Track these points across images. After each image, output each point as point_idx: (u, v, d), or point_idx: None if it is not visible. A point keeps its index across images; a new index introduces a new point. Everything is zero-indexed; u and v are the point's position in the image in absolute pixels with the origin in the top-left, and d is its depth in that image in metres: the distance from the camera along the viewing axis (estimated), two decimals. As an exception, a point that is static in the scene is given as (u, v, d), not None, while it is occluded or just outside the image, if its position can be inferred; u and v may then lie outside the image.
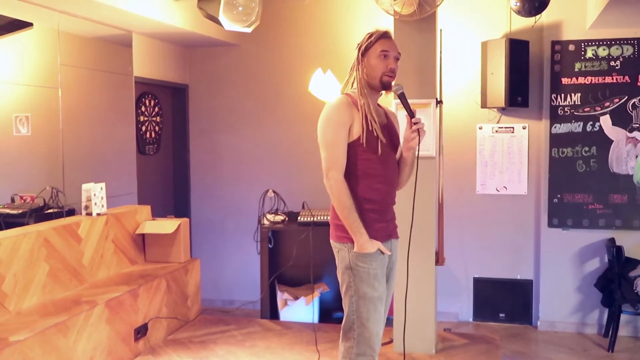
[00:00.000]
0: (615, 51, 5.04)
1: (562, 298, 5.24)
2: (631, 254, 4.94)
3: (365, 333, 2.66)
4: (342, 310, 2.74)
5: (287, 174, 5.85)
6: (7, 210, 3.87)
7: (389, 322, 3.62)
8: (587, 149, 5.13)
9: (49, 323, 3.11)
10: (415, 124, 2.65)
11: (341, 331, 2.74)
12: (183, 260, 4.55)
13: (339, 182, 2.62)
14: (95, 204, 4.10)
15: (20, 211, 3.87)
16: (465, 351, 4.01)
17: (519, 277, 5.43)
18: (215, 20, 3.88)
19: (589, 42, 5.07)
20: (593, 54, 5.07)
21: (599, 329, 5.16)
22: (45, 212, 3.99)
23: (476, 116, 5.38)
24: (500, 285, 5.46)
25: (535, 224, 5.36)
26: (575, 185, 5.15)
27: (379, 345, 2.72)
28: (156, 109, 5.81)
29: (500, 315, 5.46)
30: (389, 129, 2.78)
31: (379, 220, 2.71)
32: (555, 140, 5.17)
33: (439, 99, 3.92)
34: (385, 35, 2.73)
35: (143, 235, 4.55)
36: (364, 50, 2.72)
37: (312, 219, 4.81)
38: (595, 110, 5.10)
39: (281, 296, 4.93)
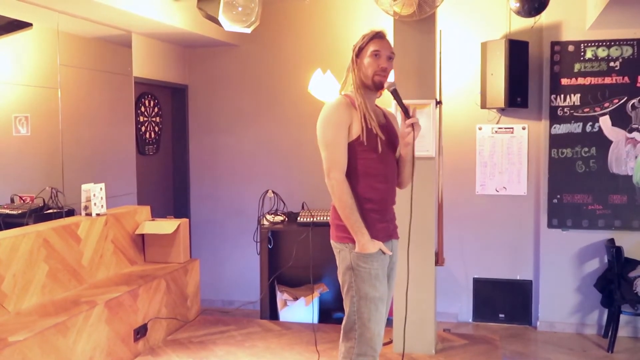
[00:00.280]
0: (614, 52, 5.04)
1: (562, 298, 5.24)
2: (631, 255, 4.95)
3: (367, 333, 2.66)
4: (342, 310, 2.74)
5: (287, 175, 5.85)
6: (7, 211, 3.86)
7: (389, 322, 3.62)
8: (586, 149, 5.13)
9: (48, 323, 3.11)
10: (409, 118, 2.67)
11: (342, 331, 2.73)
12: (182, 261, 4.55)
13: (340, 182, 2.63)
14: (95, 204, 4.10)
15: (19, 211, 3.87)
16: (464, 351, 4.01)
17: (518, 278, 5.43)
18: (215, 21, 3.87)
19: (589, 43, 5.07)
20: (592, 55, 5.08)
21: (599, 329, 5.16)
22: (45, 212, 3.99)
23: (476, 117, 5.38)
24: (500, 285, 5.46)
25: (534, 225, 5.36)
26: (574, 186, 5.16)
27: (380, 346, 2.72)
28: (156, 110, 5.81)
29: (500, 315, 5.46)
30: (388, 128, 2.79)
31: (379, 220, 2.71)
32: (555, 141, 5.18)
33: (438, 100, 3.92)
34: (377, 35, 2.74)
35: (142, 235, 4.55)
36: (358, 51, 2.75)
37: (311, 219, 4.81)
38: (595, 111, 5.10)
39: (281, 296, 4.92)
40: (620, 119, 5.06)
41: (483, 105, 5.20)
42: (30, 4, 3.93)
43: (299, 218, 4.90)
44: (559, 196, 5.19)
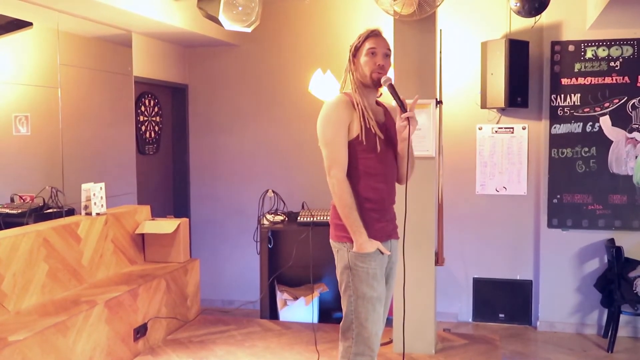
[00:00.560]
0: (615, 52, 5.04)
1: (562, 298, 5.24)
2: (631, 255, 4.95)
3: (364, 333, 2.66)
4: (341, 310, 2.74)
5: (287, 174, 5.85)
6: (7, 210, 3.86)
7: (389, 322, 3.62)
8: (586, 149, 5.13)
9: (48, 323, 3.11)
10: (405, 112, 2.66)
11: (340, 331, 2.74)
12: (182, 260, 4.55)
13: (340, 181, 2.63)
14: (95, 203, 4.10)
15: (19, 211, 3.87)
16: (464, 351, 4.01)
17: (518, 278, 5.43)
18: (215, 20, 3.88)
19: (589, 43, 5.07)
20: (593, 55, 5.08)
21: (599, 329, 5.16)
22: (45, 212, 3.98)
23: (476, 116, 5.38)
24: (500, 285, 5.46)
25: (534, 225, 5.36)
26: (574, 186, 5.15)
27: (377, 345, 2.72)
28: (156, 109, 5.81)
29: (500, 315, 5.46)
30: (388, 127, 2.78)
31: (378, 220, 2.71)
32: (555, 141, 5.17)
33: (438, 99, 3.92)
34: (373, 34, 2.74)
35: (142, 235, 4.55)
36: (355, 51, 2.76)
37: (311, 219, 4.81)
38: (595, 111, 5.10)
39: (281, 296, 4.92)
40: (621, 119, 5.06)
41: (483, 105, 5.20)
42: (31, 3, 3.93)
43: (299, 218, 4.90)
44: (559, 196, 5.19)
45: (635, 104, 5.03)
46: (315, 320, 4.83)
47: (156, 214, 4.95)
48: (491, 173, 5.41)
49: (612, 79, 5.05)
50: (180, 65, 6.00)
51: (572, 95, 5.13)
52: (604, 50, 5.06)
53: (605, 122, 5.09)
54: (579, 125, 5.13)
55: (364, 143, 2.65)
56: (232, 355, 3.93)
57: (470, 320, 5.54)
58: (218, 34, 5.43)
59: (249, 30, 4.03)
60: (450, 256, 5.11)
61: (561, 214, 5.19)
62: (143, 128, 5.59)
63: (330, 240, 2.78)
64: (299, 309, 4.82)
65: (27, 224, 3.74)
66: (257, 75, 5.93)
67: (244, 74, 5.97)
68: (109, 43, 4.88)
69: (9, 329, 3.00)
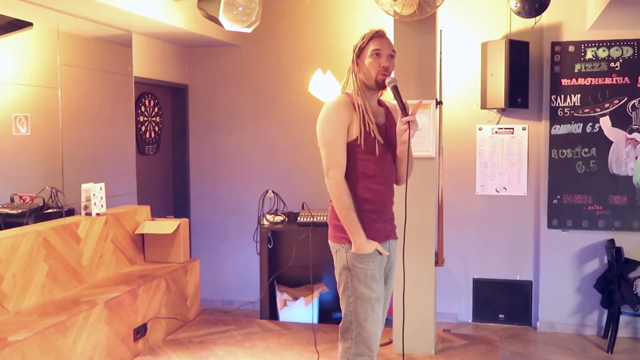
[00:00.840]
0: (615, 52, 5.04)
1: (562, 299, 5.24)
2: (630, 255, 4.95)
3: (363, 333, 2.66)
4: (341, 310, 2.74)
5: (287, 175, 5.85)
6: (7, 210, 3.86)
7: (389, 322, 3.62)
8: (586, 150, 5.13)
9: (48, 323, 3.11)
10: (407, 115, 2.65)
11: (339, 331, 2.73)
12: (182, 261, 4.55)
13: (338, 182, 2.63)
14: (95, 204, 4.10)
15: (19, 211, 3.87)
16: (464, 352, 4.01)
17: (518, 278, 5.43)
18: (215, 21, 3.87)
19: (589, 43, 5.07)
20: (593, 55, 5.08)
21: (599, 330, 5.16)
22: (45, 212, 3.98)
23: (476, 117, 5.38)
24: (500, 286, 5.46)
25: (534, 225, 5.36)
26: (574, 187, 5.15)
27: (377, 346, 2.72)
28: (156, 109, 5.81)
29: (500, 316, 5.46)
30: (388, 128, 2.77)
31: (377, 220, 2.71)
32: (555, 141, 5.17)
33: (438, 100, 3.92)
34: (377, 34, 2.73)
35: (142, 235, 4.55)
36: (359, 52, 2.74)
37: (311, 219, 4.81)
38: (595, 112, 5.10)
39: (280, 296, 4.92)
40: (621, 120, 5.06)
41: (483, 106, 5.20)
42: (31, 3, 3.93)
43: (299, 218, 4.90)
44: (559, 197, 5.19)
45: (636, 104, 5.03)
46: (315, 320, 4.83)
47: (156, 214, 4.95)
48: (491, 173, 5.41)
49: (612, 80, 5.05)
50: (180, 66, 6.00)
51: (572, 95, 5.13)
52: (604, 50, 5.06)
53: (605, 122, 5.09)
54: (579, 126, 5.13)
55: (363, 147, 2.64)
56: (232, 356, 3.93)
57: (470, 320, 5.54)
58: (218, 35, 5.43)
59: (249, 30, 4.02)
60: (450, 257, 5.11)
61: (561, 215, 5.19)
62: (143, 128, 5.59)
63: (329, 241, 2.78)
64: (299, 310, 4.81)
65: (27, 224, 3.74)
66: (257, 75, 5.93)
67: (244, 75, 5.97)
68: (109, 43, 4.88)
69: (8, 329, 3.00)
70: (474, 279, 5.51)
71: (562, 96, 5.14)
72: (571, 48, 5.12)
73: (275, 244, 5.07)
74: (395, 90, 2.68)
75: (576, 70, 5.11)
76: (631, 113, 5.04)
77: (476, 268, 5.50)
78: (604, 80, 5.07)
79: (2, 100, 3.92)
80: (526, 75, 5.12)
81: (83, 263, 3.86)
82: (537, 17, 4.94)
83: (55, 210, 4.02)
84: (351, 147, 2.66)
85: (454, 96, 5.35)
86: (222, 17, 3.83)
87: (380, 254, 2.69)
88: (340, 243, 2.69)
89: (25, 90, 4.10)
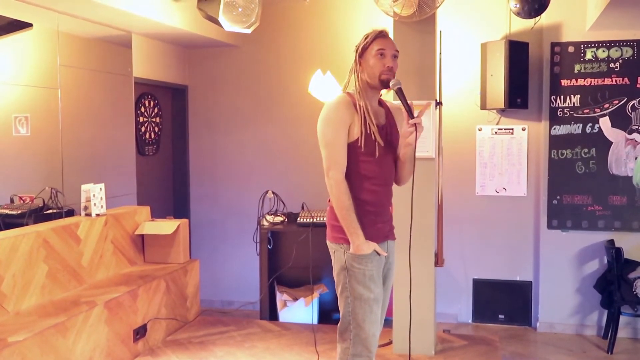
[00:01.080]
0: (614, 53, 5.04)
1: (562, 299, 5.24)
2: (630, 256, 4.95)
3: (362, 334, 2.65)
4: (339, 310, 2.74)
5: (287, 175, 5.85)
6: (6, 211, 3.86)
7: (388, 323, 3.62)
8: (586, 150, 5.13)
9: (47, 324, 3.11)
10: (412, 118, 2.64)
11: (337, 332, 2.73)
12: (182, 261, 4.55)
13: (338, 182, 2.62)
14: (95, 204, 4.10)
15: (19, 212, 3.87)
16: (464, 352, 4.01)
17: (518, 279, 5.43)
18: (215, 21, 3.87)
19: (589, 44, 5.07)
20: (592, 56, 5.08)
21: (598, 330, 5.16)
22: (45, 212, 3.98)
23: (476, 117, 5.38)
24: (500, 286, 5.46)
25: (534, 226, 5.36)
26: (574, 187, 5.16)
27: (375, 346, 2.71)
28: (156, 110, 5.81)
29: (500, 316, 5.46)
30: (389, 129, 2.76)
31: (375, 221, 2.70)
32: (555, 142, 5.18)
33: (438, 100, 3.92)
34: (381, 34, 2.71)
35: (142, 236, 4.55)
36: (362, 51, 2.71)
37: (311, 220, 4.81)
38: (595, 112, 5.10)
39: (280, 297, 4.92)
40: (620, 120, 5.06)
41: (483, 106, 5.20)
42: (31, 4, 3.93)
43: (298, 219, 4.90)
44: (558, 197, 5.19)
45: (635, 105, 5.03)
46: (315, 321, 4.83)
47: (156, 214, 4.95)
48: (491, 174, 5.41)
49: (612, 80, 5.06)
50: (180, 66, 6.00)
51: (572, 96, 5.13)
52: (603, 51, 5.06)
53: (605, 123, 5.09)
54: (578, 127, 5.14)
55: (363, 149, 2.63)
56: (231, 356, 3.93)
57: (470, 321, 5.54)
58: (218, 35, 5.43)
59: (248, 31, 4.03)
60: (450, 257, 5.11)
61: (561, 215, 5.19)
62: (143, 129, 5.59)
63: (327, 241, 2.77)
64: (299, 310, 4.81)
65: (26, 224, 3.74)
66: (257, 76, 5.94)
67: (243, 75, 5.97)
68: (108, 44, 4.88)
69: (8, 330, 3.00)
70: (473, 279, 5.52)
71: (562, 97, 5.15)
72: (571, 49, 5.12)
73: (275, 244, 5.07)
74: (400, 92, 2.66)
75: (576, 71, 5.11)
76: (631, 113, 5.05)
77: (476, 268, 5.50)
78: (604, 80, 5.07)
79: (2, 101, 3.92)
80: (526, 75, 5.12)
81: (83, 264, 3.86)
82: (537, 18, 4.95)
83: (55, 210, 4.02)
84: (352, 148, 2.65)
85: (453, 97, 5.35)
86: (221, 18, 3.83)
87: (379, 254, 2.69)
88: (338, 243, 2.69)
89: (25, 90, 4.10)
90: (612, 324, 4.80)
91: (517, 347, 4.94)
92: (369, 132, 2.63)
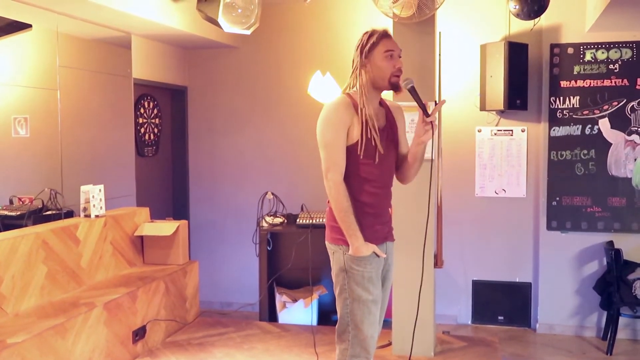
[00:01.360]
0: (614, 54, 5.04)
1: (561, 301, 5.23)
2: (630, 257, 4.95)
3: (360, 335, 2.65)
4: (337, 312, 2.74)
5: (286, 176, 5.85)
6: (6, 212, 3.86)
7: (387, 324, 3.61)
8: (585, 152, 5.13)
9: (47, 325, 3.10)
10: (428, 117, 2.61)
11: (336, 333, 2.73)
12: (181, 263, 4.54)
13: (337, 184, 2.61)
14: (94, 205, 4.09)
15: (18, 213, 3.87)
16: (464, 354, 4.01)
17: (517, 280, 5.43)
18: (215, 23, 3.87)
19: (588, 45, 5.08)
20: (592, 57, 5.08)
21: (598, 331, 5.16)
22: (44, 213, 3.98)
23: (475, 119, 5.39)
24: (499, 287, 5.46)
25: (534, 227, 5.36)
26: (574, 188, 5.16)
27: (373, 348, 2.71)
28: (155, 111, 5.81)
29: (499, 317, 5.45)
30: (389, 130, 2.75)
31: (374, 223, 2.70)
32: (554, 143, 5.18)
33: (437, 102, 3.91)
34: (386, 35, 2.68)
35: (141, 237, 4.55)
36: (367, 52, 2.65)
37: (310, 221, 4.81)
38: (594, 114, 5.10)
39: (280, 298, 4.92)
40: (620, 122, 5.06)
41: (482, 108, 5.20)
42: (30, 5, 3.93)
43: (298, 220, 4.90)
44: (558, 198, 5.19)
45: (634, 106, 5.04)
46: (314, 322, 4.83)
47: (155, 216, 4.94)
48: (490, 175, 5.41)
49: (611, 82, 5.06)
50: (179, 67, 6.00)
51: (571, 97, 5.13)
52: (603, 52, 5.06)
53: (604, 124, 5.09)
54: (578, 128, 5.14)
55: (363, 153, 2.61)
56: (231, 358, 3.92)
57: (469, 322, 5.53)
58: (217, 36, 5.43)
59: (248, 32, 4.02)
60: (449, 258, 5.11)
61: (560, 216, 5.19)
62: (142, 130, 5.59)
63: (326, 242, 2.76)
64: (298, 311, 4.81)
65: (26, 225, 3.74)
66: (257, 77, 5.94)
67: (243, 76, 5.97)
68: (108, 45, 4.88)
69: (7, 331, 2.99)
70: (473, 280, 5.51)
71: (561, 98, 5.15)
72: (570, 50, 5.12)
73: (275, 245, 5.06)
74: (413, 91, 2.63)
75: (575, 72, 5.12)
76: (630, 115, 5.05)
77: (475, 270, 5.50)
78: (603, 82, 5.07)
79: (2, 102, 3.92)
80: (525, 77, 5.12)
81: (82, 265, 3.86)
82: (536, 19, 4.95)
83: (54, 212, 4.02)
84: (351, 150, 2.63)
85: (453, 98, 5.35)
86: (221, 19, 3.83)
87: (378, 256, 2.68)
88: (337, 245, 2.68)
89: (25, 92, 4.10)
90: (611, 325, 4.80)
91: (516, 348, 4.94)
92: (369, 137, 2.61)
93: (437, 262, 3.97)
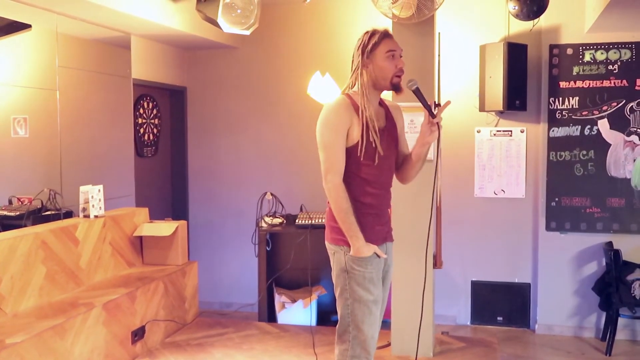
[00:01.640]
0: (613, 55, 5.05)
1: (560, 301, 5.24)
2: (629, 258, 4.95)
3: (360, 336, 2.65)
4: (338, 312, 2.74)
5: (285, 177, 5.85)
6: (5, 212, 3.86)
7: (386, 325, 3.61)
8: (584, 152, 5.13)
9: (45, 325, 3.10)
10: (434, 117, 2.60)
11: (336, 334, 2.73)
12: (181, 263, 4.54)
13: (336, 185, 2.60)
14: (93, 206, 4.09)
15: (17, 213, 3.87)
16: (463, 354, 4.01)
17: (516, 281, 5.43)
18: (214, 23, 3.87)
19: (587, 46, 5.08)
20: (591, 58, 5.08)
21: (597, 332, 5.16)
22: (43, 214, 3.98)
23: (474, 119, 5.39)
24: (498, 288, 5.46)
25: (533, 228, 5.36)
26: (573, 189, 5.16)
27: (374, 348, 2.71)
28: (154, 111, 5.81)
29: (498, 318, 5.46)
30: (389, 131, 2.75)
31: (374, 223, 2.70)
32: (553, 144, 5.18)
33: (437, 102, 3.91)
34: (388, 34, 2.67)
35: (141, 237, 4.55)
36: (369, 52, 2.64)
37: (309, 221, 4.81)
38: (593, 114, 5.11)
39: (279, 299, 4.92)
40: (619, 122, 5.06)
41: (482, 108, 5.20)
42: (29, 5, 3.93)
43: (297, 220, 4.90)
44: (557, 199, 5.19)
45: (634, 107, 5.04)
46: (314, 322, 4.83)
47: (154, 216, 4.94)
48: (489, 176, 5.41)
49: (611, 82, 5.06)
50: (179, 68, 6.00)
51: (571, 98, 5.14)
52: (602, 53, 5.07)
53: (603, 125, 5.10)
54: (577, 129, 5.14)
55: (363, 155, 2.60)
56: (230, 358, 3.92)
57: (468, 323, 5.53)
58: (217, 37, 5.43)
59: (247, 32, 4.02)
60: (448, 259, 5.11)
61: (559, 217, 5.19)
62: (142, 130, 5.59)
63: (326, 242, 2.76)
64: (297, 312, 4.81)
65: (25, 226, 3.74)
66: (256, 77, 5.94)
67: (242, 77, 5.97)
68: (107, 45, 4.88)
69: (6, 332, 2.99)
70: (472, 281, 5.52)
71: (560, 99, 5.15)
72: (569, 51, 5.12)
73: (274, 246, 5.06)
74: (418, 92, 2.62)
75: (574, 73, 5.12)
76: (629, 115, 5.05)
77: (474, 270, 5.50)
78: (602, 82, 5.07)
79: (1, 102, 3.91)
80: (524, 77, 5.12)
81: (81, 265, 3.86)
82: (535, 20, 4.96)
83: (53, 212, 4.02)
84: (351, 152, 2.62)
85: (452, 99, 5.25)
86: (220, 20, 3.83)
87: (379, 256, 2.68)
88: (338, 245, 2.68)
89: (24, 92, 4.10)
90: (610, 326, 4.81)
91: (515, 349, 4.94)
92: (370, 140, 2.60)
93: (436, 263, 3.97)
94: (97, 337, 3.45)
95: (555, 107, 5.17)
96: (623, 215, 5.07)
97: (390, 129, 2.76)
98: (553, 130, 5.18)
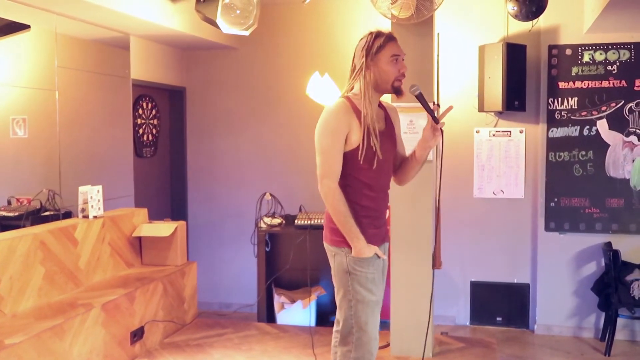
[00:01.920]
0: (612, 55, 5.05)
1: (559, 302, 5.24)
2: (628, 258, 4.95)
3: (364, 337, 2.65)
4: (339, 314, 2.73)
5: (284, 177, 5.85)
6: (4, 213, 3.86)
7: (384, 325, 3.61)
8: (583, 153, 5.14)
9: (44, 326, 3.10)
10: (437, 122, 2.61)
11: (339, 336, 2.72)
12: (180, 264, 4.54)
13: (332, 190, 2.59)
14: (92, 206, 4.09)
15: (16, 214, 3.86)
16: (462, 355, 4.01)
17: (516, 281, 5.43)
18: (213, 23, 3.87)
19: (586, 47, 5.08)
20: (590, 59, 5.09)
21: (596, 332, 5.16)
22: (42, 214, 3.97)
23: (473, 120, 5.39)
24: (497, 288, 5.46)
25: (532, 228, 5.36)
26: (572, 189, 5.16)
27: (376, 349, 2.72)
28: (153, 112, 5.81)
29: (497, 318, 5.46)
30: (387, 134, 2.74)
31: (372, 225, 2.70)
32: (552, 144, 5.18)
33: (436, 103, 3.92)
34: (393, 38, 2.66)
35: (140, 238, 4.54)
36: (374, 55, 2.62)
37: (309, 222, 4.81)
38: (592, 115, 5.11)
39: (278, 299, 4.92)
40: (618, 123, 5.07)
41: (481, 109, 5.20)
42: (28, 5, 3.92)
43: (296, 221, 4.90)
44: (556, 199, 5.19)
45: (632, 107, 5.04)
46: (313, 323, 4.82)
47: (153, 216, 4.94)
48: (489, 176, 5.41)
49: (609, 83, 5.06)
50: (178, 68, 5.99)
51: (570, 98, 5.14)
52: (601, 54, 5.07)
53: (602, 125, 5.10)
54: (576, 129, 5.14)
55: (362, 159, 2.60)
56: (229, 359, 3.92)
57: (467, 323, 5.53)
58: (216, 37, 5.43)
59: (246, 33, 4.02)
60: (447, 259, 5.10)
61: (558, 218, 5.19)
62: (141, 131, 5.58)
63: (325, 244, 2.76)
64: (297, 312, 4.81)
65: (24, 226, 3.73)
66: (255, 78, 5.94)
67: (241, 77, 5.97)
68: (106, 45, 4.88)
69: (5, 332, 2.99)
70: (471, 281, 5.52)
71: (559, 99, 5.16)
72: (568, 51, 5.13)
73: (273, 246, 5.06)
74: (421, 97, 2.61)
75: (573, 74, 5.12)
76: (628, 116, 5.05)
77: (474, 271, 5.50)
78: (601, 83, 5.08)
79: (0, 103, 3.91)
80: (523, 78, 5.12)
81: (80, 266, 3.86)
82: (534, 21, 4.96)
83: (52, 212, 4.01)
84: (351, 155, 2.61)
85: (451, 99, 5.33)
86: (219, 20, 3.83)
87: (379, 257, 2.69)
88: (339, 247, 2.67)
89: (23, 92, 4.09)
90: (609, 327, 4.81)
91: (514, 349, 4.94)
92: (371, 144, 2.60)
93: (436, 263, 3.97)
94: (96, 338, 3.45)
95: (554, 108, 5.17)
96: (622, 216, 5.08)
97: (389, 131, 2.76)
98: (552, 131, 5.18)
